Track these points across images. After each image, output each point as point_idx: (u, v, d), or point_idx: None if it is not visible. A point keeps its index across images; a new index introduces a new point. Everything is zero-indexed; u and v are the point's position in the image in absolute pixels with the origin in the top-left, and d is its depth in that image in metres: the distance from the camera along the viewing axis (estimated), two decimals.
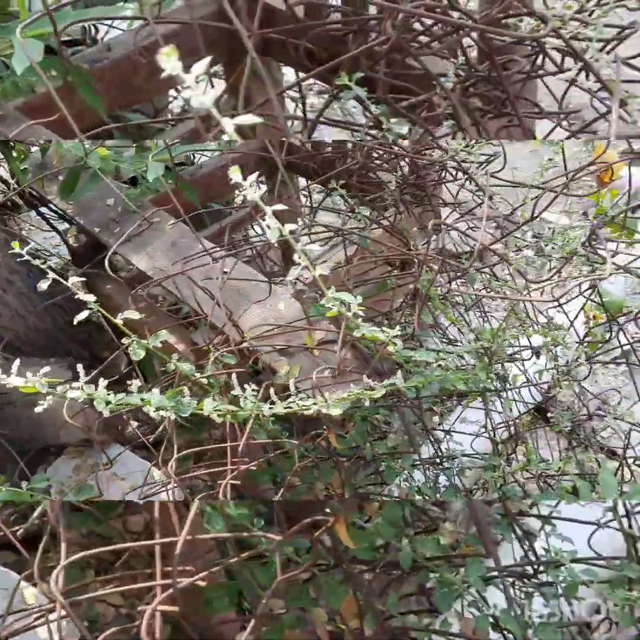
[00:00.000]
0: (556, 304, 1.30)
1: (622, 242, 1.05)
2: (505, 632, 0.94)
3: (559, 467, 1.22)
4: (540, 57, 0.99)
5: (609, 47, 0.90)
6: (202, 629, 0.94)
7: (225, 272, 1.47)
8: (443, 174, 1.25)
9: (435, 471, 1.47)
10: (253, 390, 0.93)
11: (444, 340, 1.46)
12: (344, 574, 0.92)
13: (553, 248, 1.03)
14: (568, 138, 0.94)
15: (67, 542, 1.15)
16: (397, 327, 0.89)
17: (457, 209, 1.34)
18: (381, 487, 1.49)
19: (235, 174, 0.59)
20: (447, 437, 1.57)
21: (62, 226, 2.27)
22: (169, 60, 0.38)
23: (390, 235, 1.32)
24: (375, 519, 1.04)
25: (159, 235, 1.70)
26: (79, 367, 0.87)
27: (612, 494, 1.26)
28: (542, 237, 1.06)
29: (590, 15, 0.79)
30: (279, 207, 0.64)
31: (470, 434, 1.54)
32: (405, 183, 1.21)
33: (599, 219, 0.96)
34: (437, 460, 1.39)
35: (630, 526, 1.04)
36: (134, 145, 2.25)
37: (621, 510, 1.16)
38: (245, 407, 0.92)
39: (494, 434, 1.42)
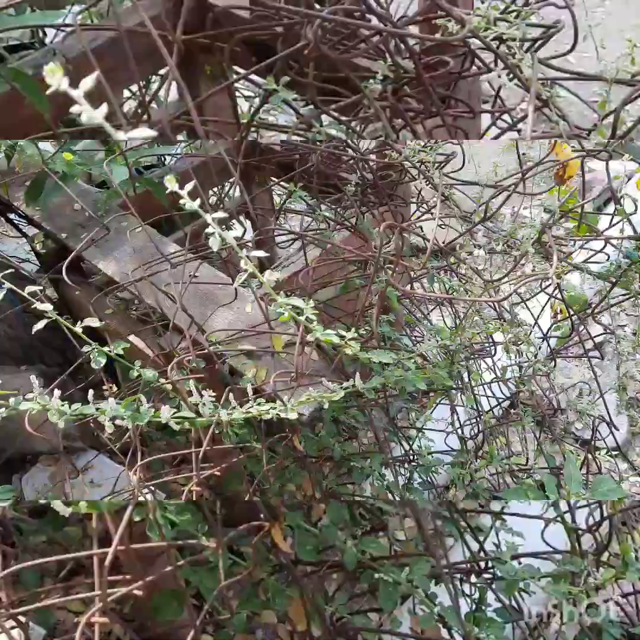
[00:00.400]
0: (522, 301, 1.31)
1: (574, 239, 1.06)
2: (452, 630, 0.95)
3: (525, 462, 1.23)
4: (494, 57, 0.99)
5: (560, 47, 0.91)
6: (164, 635, 0.94)
7: (193, 276, 1.46)
8: (403, 175, 1.25)
9: (408, 469, 1.48)
10: (211, 395, 0.93)
11: (413, 339, 1.47)
12: (291, 577, 0.92)
13: (508, 246, 1.04)
14: (495, 138, 0.95)
15: (30, 550, 1.14)
16: (353, 329, 0.89)
17: (421, 208, 1.34)
18: (354, 486, 1.50)
19: (171, 183, 0.58)
20: (419, 435, 1.57)
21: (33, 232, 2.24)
22: (53, 77, 0.38)
23: (355, 236, 1.32)
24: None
25: (126, 240, 1.69)
26: (33, 378, 0.86)
27: (578, 488, 1.28)
28: (496, 233, 1.07)
29: (517, 16, 0.80)
30: (219, 214, 0.64)
31: (440, 431, 1.55)
32: (364, 184, 1.21)
33: (549, 217, 0.97)
34: (405, 458, 1.40)
35: (573, 520, 1.05)
36: (105, 148, 2.24)
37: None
38: (203, 413, 0.92)
39: (462, 431, 1.43)
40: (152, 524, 0.77)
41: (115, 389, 1.79)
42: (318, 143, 1.01)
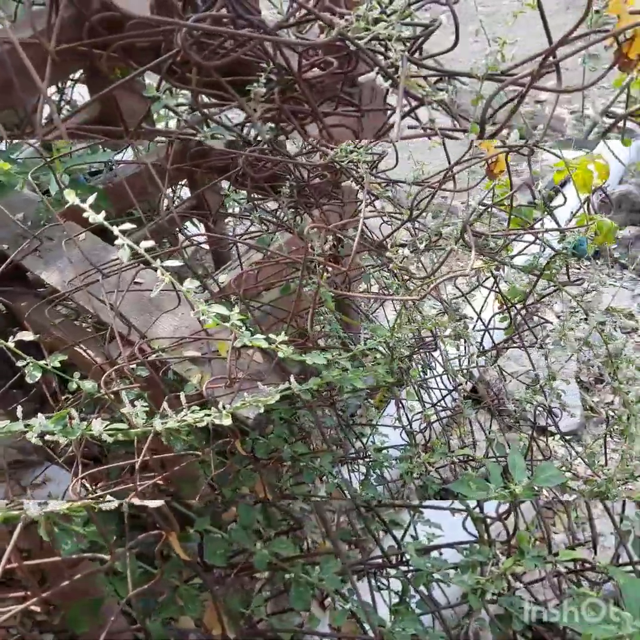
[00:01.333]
0: (462, 294, 1.33)
1: (497, 234, 1.08)
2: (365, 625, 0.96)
3: (483, 453, 1.25)
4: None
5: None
6: None
7: (135, 282, 1.45)
8: (338, 175, 1.26)
9: (363, 465, 1.49)
10: (143, 405, 0.92)
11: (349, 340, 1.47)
12: (204, 582, 0.92)
13: (435, 243, 1.05)
14: (406, 138, 0.96)
15: None
16: (283, 332, 0.89)
17: (357, 207, 1.35)
18: (309, 486, 1.50)
19: (70, 196, 0.58)
20: (373, 431, 1.59)
21: None
22: None
23: (296, 237, 1.32)
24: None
25: (69, 249, 1.66)
26: None
27: (522, 475, 1.31)
28: (422, 231, 1.08)
29: (395, 16, 0.80)
30: (127, 226, 0.63)
31: (394, 427, 1.56)
32: (299, 185, 1.21)
33: (470, 211, 0.98)
34: (357, 455, 1.41)
35: (481, 511, 1.08)
36: (48, 157, 2.19)
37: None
38: (137, 424, 0.91)
39: (411, 426, 1.45)
40: (59, 536, 0.76)
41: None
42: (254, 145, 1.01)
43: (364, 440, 1.52)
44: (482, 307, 1.45)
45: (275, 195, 1.25)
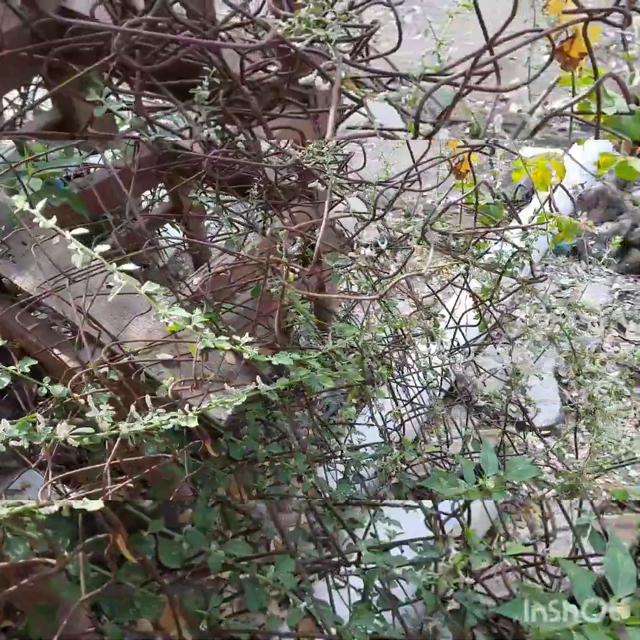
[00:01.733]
0: (433, 293, 1.34)
1: (460, 233, 1.09)
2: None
3: (440, 449, 1.26)
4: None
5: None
6: None
7: (108, 286, 1.45)
8: (307, 177, 1.26)
9: (342, 464, 1.50)
10: (108, 409, 0.92)
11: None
12: (159, 584, 0.93)
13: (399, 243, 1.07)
14: (348, 137, 0.96)
15: None
16: (247, 334, 0.90)
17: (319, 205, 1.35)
18: (287, 486, 1.51)
19: (19, 202, 0.58)
20: (350, 430, 1.60)
21: None
22: None
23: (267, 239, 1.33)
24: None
25: (42, 253, 1.66)
26: None
27: (494, 470, 1.32)
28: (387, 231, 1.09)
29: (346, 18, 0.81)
30: (80, 231, 0.64)
31: (369, 426, 1.57)
32: (267, 187, 1.22)
33: (431, 212, 0.99)
34: (331, 455, 1.41)
35: (435, 507, 1.09)
36: (23, 160, 2.18)
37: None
38: (102, 428, 0.91)
39: (385, 424, 1.45)
40: (12, 542, 0.76)
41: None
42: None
43: (341, 439, 1.52)
44: (454, 306, 1.47)
45: (242, 198, 1.26)
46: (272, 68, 1.00)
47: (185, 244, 2.12)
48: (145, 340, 1.30)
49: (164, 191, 2.40)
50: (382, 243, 1.08)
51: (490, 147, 1.00)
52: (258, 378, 0.95)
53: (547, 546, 1.11)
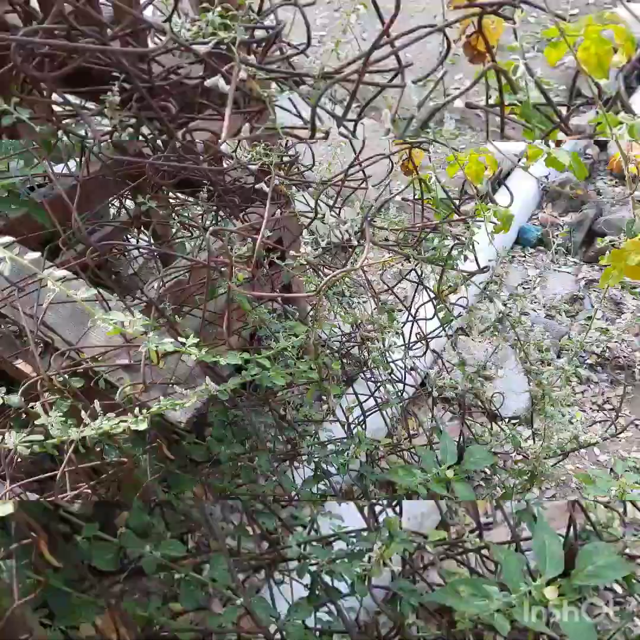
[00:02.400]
0: (388, 288, 1.36)
1: (398, 228, 1.11)
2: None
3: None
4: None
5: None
6: None
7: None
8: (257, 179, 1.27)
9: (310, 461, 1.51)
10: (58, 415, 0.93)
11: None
12: (98, 589, 0.93)
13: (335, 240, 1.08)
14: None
15: None
16: (192, 335, 0.91)
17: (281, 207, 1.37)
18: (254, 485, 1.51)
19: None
20: (318, 428, 1.61)
21: None
22: None
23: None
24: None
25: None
26: None
27: (452, 459, 1.34)
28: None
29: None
30: (7, 239, 0.64)
31: (330, 422, 1.58)
32: (217, 190, 1.23)
33: (366, 211, 1.01)
34: (294, 453, 1.43)
35: (366, 496, 1.10)
36: None
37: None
38: (53, 434, 0.92)
39: (346, 419, 1.47)
40: None
41: None
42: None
43: (309, 437, 1.54)
44: (412, 301, 1.49)
45: (192, 201, 1.27)
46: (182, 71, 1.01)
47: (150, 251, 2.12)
48: (102, 346, 1.31)
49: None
50: (323, 241, 1.10)
51: (428, 142, 1.02)
52: (207, 378, 0.96)
53: (480, 536, 1.13)
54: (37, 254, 0.69)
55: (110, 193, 2.38)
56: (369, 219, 1.00)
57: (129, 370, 1.36)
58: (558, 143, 0.90)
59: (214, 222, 1.28)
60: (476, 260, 1.21)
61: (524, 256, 2.99)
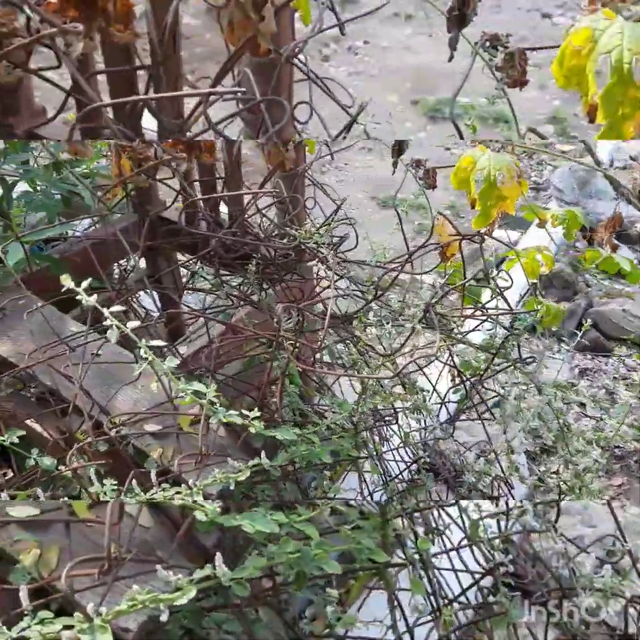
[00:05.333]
0: (419, 368, 1.39)
1: (457, 315, 1.16)
2: None
3: None
4: None
5: None
6: None
7: (96, 354, 1.43)
8: (301, 254, 1.32)
9: None
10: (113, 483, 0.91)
11: (318, 409, 1.50)
12: None
13: (395, 320, 1.12)
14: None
15: None
16: (256, 408, 0.91)
17: (320, 284, 1.41)
18: None
19: (66, 281, 0.60)
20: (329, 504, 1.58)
21: None
22: None
23: (258, 311, 1.36)
24: None
25: (23, 318, 1.64)
26: None
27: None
28: (390, 310, 1.15)
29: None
30: (116, 308, 0.66)
31: (353, 499, 1.56)
32: (265, 263, 1.27)
33: (433, 294, 1.06)
34: None
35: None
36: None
37: None
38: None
39: (371, 498, 1.46)
40: None
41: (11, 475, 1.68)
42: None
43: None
44: (436, 381, 1.52)
45: (242, 272, 1.30)
46: None
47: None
48: (135, 412, 1.29)
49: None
50: (387, 323, 1.13)
51: (481, 236, 1.08)
52: (263, 453, 0.96)
53: None
54: (136, 323, 0.70)
55: (125, 254, 2.41)
56: (433, 304, 1.04)
57: (157, 437, 1.34)
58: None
59: (258, 293, 1.31)
60: (518, 348, 1.25)
61: (517, 343, 3.07)
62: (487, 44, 0.85)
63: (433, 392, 1.52)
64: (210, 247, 1.22)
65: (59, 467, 1.13)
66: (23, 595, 0.62)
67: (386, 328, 1.11)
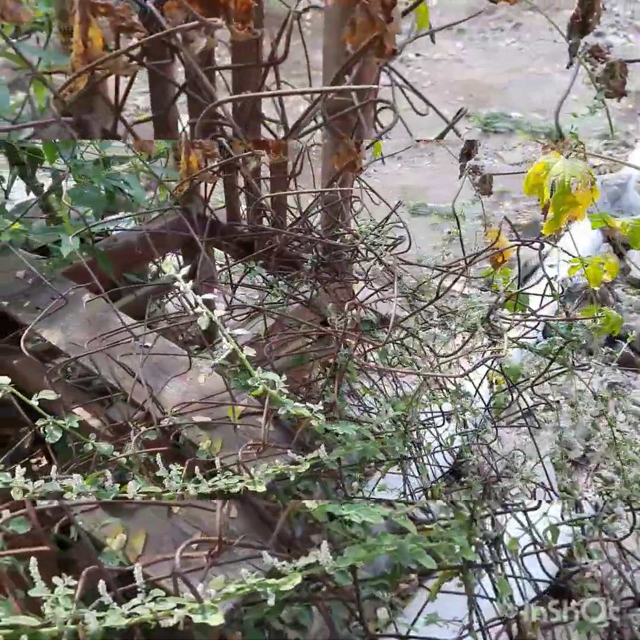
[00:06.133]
0: (465, 373, 1.40)
1: (516, 319, 1.17)
2: None
3: None
4: None
5: None
6: None
7: (147, 346, 1.47)
8: (355, 254, 1.34)
9: None
10: (179, 469, 0.93)
11: (360, 408, 1.51)
12: None
13: (457, 324, 1.13)
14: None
15: None
16: (320, 402, 0.93)
17: (368, 285, 1.43)
18: None
19: (167, 268, 0.62)
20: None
21: None
22: None
23: (307, 309, 1.39)
24: None
25: (73, 309, 1.67)
26: None
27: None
28: (447, 313, 1.16)
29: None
30: (209, 296, 0.68)
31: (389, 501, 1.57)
32: (320, 262, 1.29)
33: (497, 297, 1.07)
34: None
35: None
36: (44, 216, 2.23)
37: None
38: (170, 487, 0.92)
39: (413, 498, 1.46)
40: None
41: (45, 462, 1.72)
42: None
43: None
44: (479, 384, 1.53)
45: (297, 271, 1.32)
46: None
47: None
48: (195, 401, 1.31)
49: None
50: (452, 324, 1.14)
51: (540, 242, 1.10)
52: (322, 447, 0.98)
53: None
54: (222, 312, 0.72)
55: (168, 251, 2.45)
56: (497, 307, 1.05)
57: (207, 428, 1.37)
58: None
59: (311, 292, 1.33)
60: (573, 355, 1.26)
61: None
62: (588, 55, 0.87)
63: (475, 395, 1.53)
64: (274, 245, 1.25)
65: (115, 453, 1.15)
66: (137, 573, 0.63)
67: (441, 331, 1.13)
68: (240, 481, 0.93)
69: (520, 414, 1.59)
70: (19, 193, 2.26)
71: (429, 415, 1.46)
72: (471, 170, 1.22)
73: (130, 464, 1.19)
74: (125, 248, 2.22)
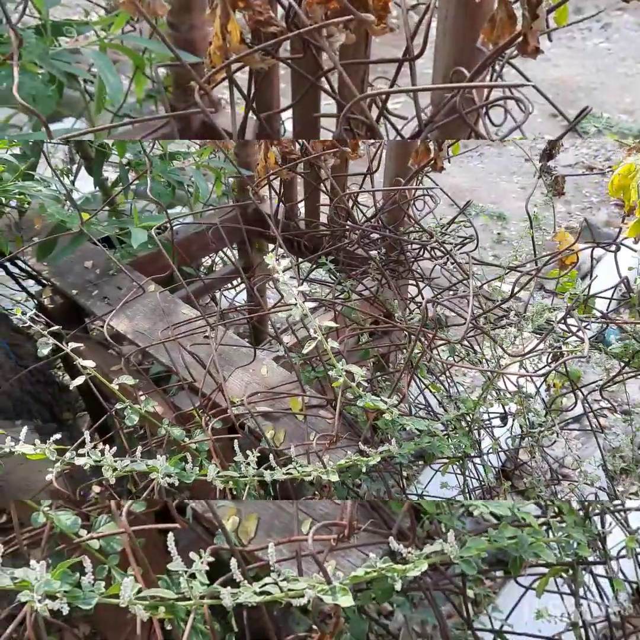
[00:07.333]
0: (529, 375, 1.39)
1: (589, 320, 1.16)
2: None
3: None
4: None
5: None
6: None
7: (208, 337, 1.51)
8: (422, 252, 1.35)
9: None
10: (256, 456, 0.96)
11: (420, 406, 1.52)
12: None
13: (528, 325, 1.13)
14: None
15: None
16: (395, 397, 0.94)
17: (430, 284, 1.44)
18: None
19: (270, 260, 0.64)
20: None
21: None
22: None
23: (370, 305, 1.40)
24: None
25: (138, 299, 1.73)
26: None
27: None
28: (521, 314, 1.16)
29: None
30: (304, 288, 0.70)
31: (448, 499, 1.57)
32: (387, 259, 1.30)
33: (572, 300, 1.07)
34: None
35: None
36: (108, 208, 2.30)
37: None
38: (247, 473, 0.94)
39: (471, 498, 1.47)
40: None
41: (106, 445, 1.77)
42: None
43: None
44: (540, 385, 1.52)
45: (365, 267, 1.34)
46: None
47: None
48: (257, 392, 1.34)
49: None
50: (527, 324, 1.15)
51: (617, 245, 1.09)
52: (393, 440, 0.99)
53: None
54: (313, 304, 0.75)
55: (224, 245, 2.51)
56: (574, 308, 1.05)
57: (270, 418, 1.40)
58: None
59: (375, 288, 1.35)
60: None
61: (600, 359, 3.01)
62: None
63: (536, 395, 1.52)
64: (350, 240, 1.27)
65: (186, 439, 1.19)
66: (271, 551, 0.65)
67: (514, 330, 1.13)
68: (315, 470, 0.95)
69: (578, 418, 1.58)
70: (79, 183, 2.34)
71: (490, 415, 1.45)
72: (545, 171, 1.22)
73: (197, 450, 1.23)
74: (185, 241, 2.29)
